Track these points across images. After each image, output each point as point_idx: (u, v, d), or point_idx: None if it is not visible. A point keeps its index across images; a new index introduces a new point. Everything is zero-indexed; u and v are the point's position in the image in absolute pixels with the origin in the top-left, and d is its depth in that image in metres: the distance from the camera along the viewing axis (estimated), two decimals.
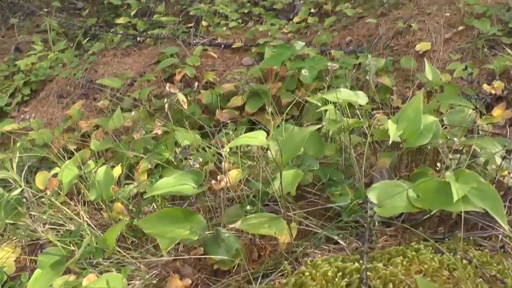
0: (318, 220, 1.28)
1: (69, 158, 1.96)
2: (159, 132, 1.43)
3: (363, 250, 1.07)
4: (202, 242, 1.10)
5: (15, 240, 1.48)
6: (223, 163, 1.60)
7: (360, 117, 1.54)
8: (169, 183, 1.05)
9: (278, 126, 2.05)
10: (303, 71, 2.27)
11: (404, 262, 0.99)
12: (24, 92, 3.22)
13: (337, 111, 1.54)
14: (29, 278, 1.29)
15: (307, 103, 2.18)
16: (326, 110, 1.60)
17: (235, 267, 1.09)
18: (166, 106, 1.34)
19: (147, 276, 1.11)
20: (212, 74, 2.67)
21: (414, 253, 1.01)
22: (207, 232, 1.08)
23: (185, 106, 1.52)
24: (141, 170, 1.74)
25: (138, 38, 3.40)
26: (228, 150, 1.67)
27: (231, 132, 1.61)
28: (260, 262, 1.13)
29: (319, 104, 1.83)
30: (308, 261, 0.97)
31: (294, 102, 2.12)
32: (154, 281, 1.11)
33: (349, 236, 1.19)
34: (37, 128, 2.51)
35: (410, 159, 1.47)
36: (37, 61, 3.43)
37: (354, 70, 2.53)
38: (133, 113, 2.19)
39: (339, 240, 1.15)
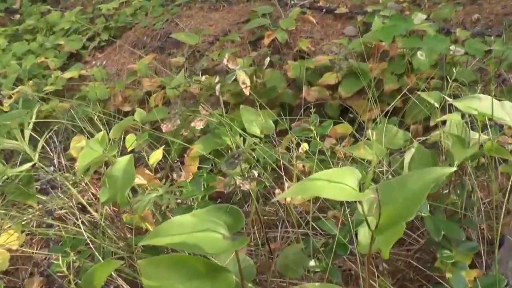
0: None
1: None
2: (199, 125, 1.05)
3: None
4: None
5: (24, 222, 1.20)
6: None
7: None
8: (184, 225, 0.66)
9: (375, 121, 1.61)
10: (418, 53, 1.75)
11: None
12: (102, 38, 2.99)
13: (465, 126, 1.07)
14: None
15: (417, 96, 1.69)
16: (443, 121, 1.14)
17: None
18: (218, 88, 0.95)
19: None
20: (307, 42, 2.22)
21: None
22: None
23: (247, 92, 1.12)
24: (192, 156, 1.38)
25: None
26: (302, 151, 1.26)
27: (312, 127, 1.19)
28: None
29: (435, 104, 1.35)
30: None
31: (402, 92, 1.64)
32: None
33: None
34: (100, 78, 2.25)
35: None
36: (120, 7, 3.19)
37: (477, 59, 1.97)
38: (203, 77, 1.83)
39: None
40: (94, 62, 2.74)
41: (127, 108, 1.87)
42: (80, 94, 2.15)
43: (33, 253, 1.12)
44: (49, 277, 1.11)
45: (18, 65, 2.60)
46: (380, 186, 0.62)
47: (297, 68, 1.93)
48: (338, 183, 0.55)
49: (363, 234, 0.75)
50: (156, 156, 1.19)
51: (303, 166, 1.24)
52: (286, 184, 1.16)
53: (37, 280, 1.10)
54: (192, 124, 1.03)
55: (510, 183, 0.91)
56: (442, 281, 0.81)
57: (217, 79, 0.96)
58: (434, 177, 0.59)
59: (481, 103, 0.92)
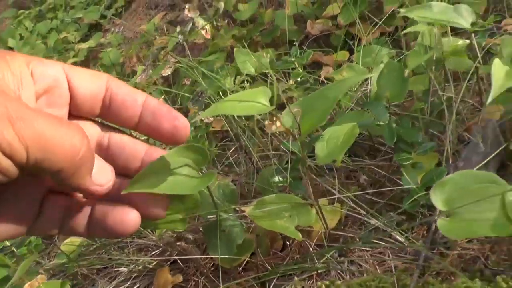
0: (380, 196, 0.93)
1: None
2: (167, 73, 1.13)
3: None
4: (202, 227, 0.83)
5: None
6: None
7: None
8: (153, 168, 0.73)
9: (365, 45, 1.63)
10: None
11: None
12: (119, 4, 3.09)
13: (433, 33, 1.10)
14: None
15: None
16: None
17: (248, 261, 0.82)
18: (181, 37, 1.02)
19: (141, 259, 0.89)
20: None
21: None
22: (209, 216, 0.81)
23: (208, 36, 1.18)
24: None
25: None
26: (292, 83, 1.32)
27: (293, 58, 1.25)
28: (285, 255, 0.84)
29: (415, 18, 1.36)
30: (323, 286, 0.64)
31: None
32: (150, 265, 0.89)
33: (417, 228, 0.83)
34: (116, 44, 2.37)
35: None
36: None
37: None
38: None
39: (397, 237, 0.80)
40: (112, 30, 2.86)
41: (142, 67, 1.99)
42: (100, 62, 2.29)
43: None
44: None
45: (43, 43, 2.77)
46: (305, 99, 0.69)
47: (294, 4, 1.95)
48: (250, 101, 0.63)
49: (320, 148, 0.83)
50: None
51: (292, 96, 1.31)
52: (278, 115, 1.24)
53: None
54: (161, 72, 1.12)
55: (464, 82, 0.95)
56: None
57: (178, 29, 1.04)
58: (348, 85, 0.66)
59: (433, 10, 0.95)
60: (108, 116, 0.41)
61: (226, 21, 2.08)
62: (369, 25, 1.90)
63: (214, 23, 1.48)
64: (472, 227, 0.61)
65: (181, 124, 0.41)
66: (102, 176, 0.38)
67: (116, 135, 0.42)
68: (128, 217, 0.40)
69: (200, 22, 1.07)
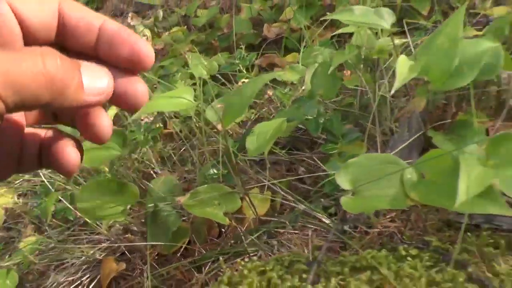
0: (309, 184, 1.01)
1: None
2: None
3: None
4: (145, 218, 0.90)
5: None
6: None
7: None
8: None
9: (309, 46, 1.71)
10: None
11: None
12: None
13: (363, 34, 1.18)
14: None
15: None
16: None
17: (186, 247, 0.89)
18: None
19: (91, 252, 0.95)
20: None
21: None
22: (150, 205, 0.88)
23: (149, 42, 1.26)
24: None
25: None
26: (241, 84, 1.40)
27: (237, 61, 1.33)
28: (221, 241, 0.91)
29: (346, 22, 1.46)
30: (242, 262, 0.71)
31: None
32: (100, 256, 0.95)
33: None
34: None
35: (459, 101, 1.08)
36: None
37: None
38: (167, 33, 1.97)
39: (323, 219, 0.88)
40: None
41: None
42: None
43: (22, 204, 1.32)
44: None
45: None
46: (226, 96, 0.77)
47: (248, 9, 2.03)
48: (177, 97, 0.71)
49: (250, 141, 0.90)
50: (111, 112, 1.36)
51: None
52: None
53: (30, 227, 1.31)
54: None
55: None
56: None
57: None
58: (260, 83, 0.73)
59: (355, 13, 1.03)
60: (64, 42, 0.38)
61: (185, 26, 2.15)
62: (318, 28, 2.01)
63: (156, 30, 1.54)
64: (373, 202, 0.69)
65: (141, 49, 0.37)
66: (97, 83, 0.34)
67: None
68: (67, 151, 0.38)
69: (141, 29, 1.14)
